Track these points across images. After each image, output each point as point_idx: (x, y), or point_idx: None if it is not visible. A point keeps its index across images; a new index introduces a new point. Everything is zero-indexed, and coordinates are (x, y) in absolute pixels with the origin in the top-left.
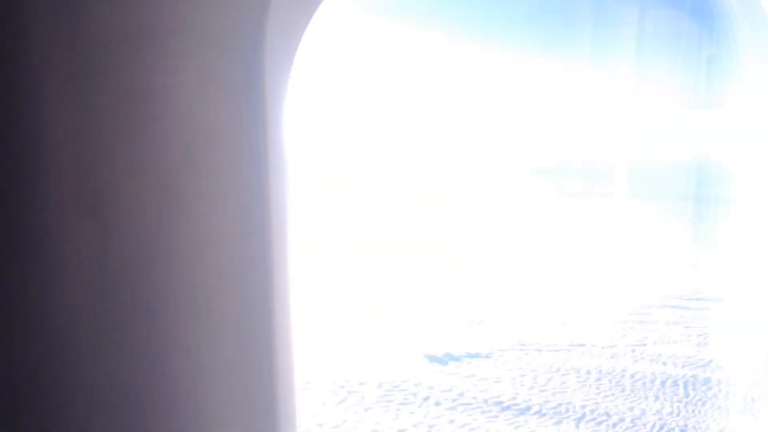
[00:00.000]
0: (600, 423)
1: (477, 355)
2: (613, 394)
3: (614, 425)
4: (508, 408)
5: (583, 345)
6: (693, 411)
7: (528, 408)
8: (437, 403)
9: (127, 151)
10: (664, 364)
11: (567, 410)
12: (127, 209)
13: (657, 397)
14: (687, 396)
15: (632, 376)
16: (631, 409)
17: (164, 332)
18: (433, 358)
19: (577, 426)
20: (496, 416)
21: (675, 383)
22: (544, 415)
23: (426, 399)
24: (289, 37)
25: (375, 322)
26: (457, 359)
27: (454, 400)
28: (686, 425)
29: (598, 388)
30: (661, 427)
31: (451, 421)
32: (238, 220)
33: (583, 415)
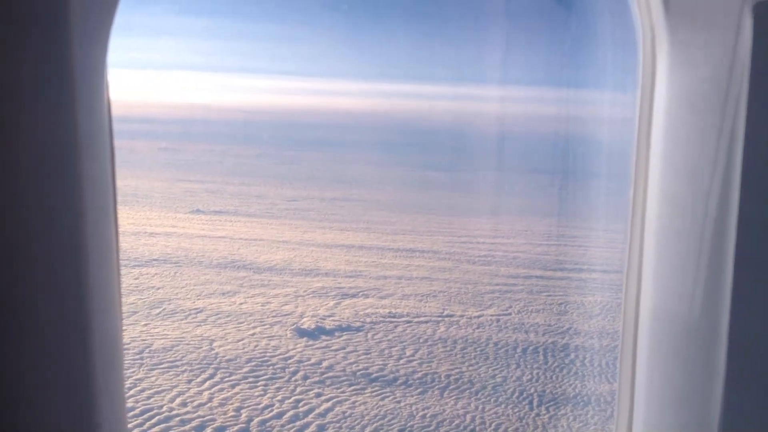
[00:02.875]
0: (463, 391)
1: (348, 328)
2: (477, 363)
3: (476, 393)
4: (375, 380)
5: (451, 316)
6: (551, 377)
7: (395, 379)
8: (305, 378)
9: None
10: (527, 332)
11: (432, 380)
12: None
13: (518, 365)
14: (546, 363)
15: (496, 344)
16: (493, 377)
17: None
18: (303, 332)
19: (441, 395)
20: (363, 388)
21: (536, 350)
22: (411, 385)
23: (294, 374)
24: (96, 41)
25: (245, 296)
26: (328, 333)
27: (322, 374)
28: (544, 391)
29: (463, 358)
30: (521, 393)
31: (319, 395)
32: (53, 214)
33: (448, 384)
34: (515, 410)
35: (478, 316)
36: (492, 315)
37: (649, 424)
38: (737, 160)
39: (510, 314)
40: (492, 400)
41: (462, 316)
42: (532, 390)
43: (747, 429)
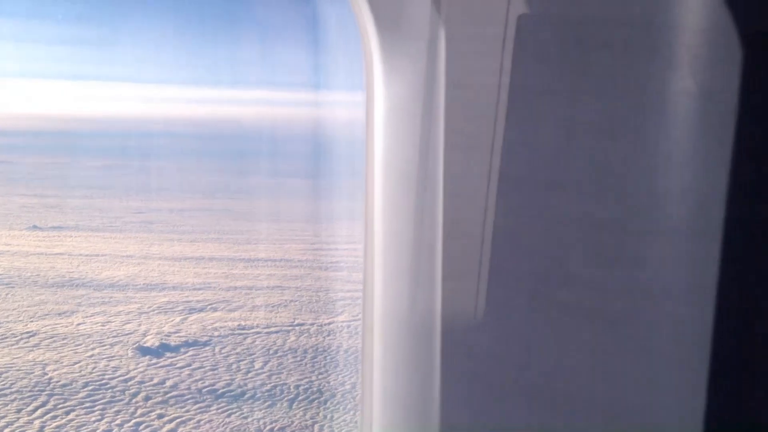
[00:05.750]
0: (312, 401)
1: (195, 344)
2: (326, 372)
3: (325, 402)
4: (222, 396)
5: (301, 325)
6: None
7: (243, 393)
8: (147, 398)
9: None
10: None
11: (281, 392)
12: None
13: None
14: None
15: (346, 351)
16: (342, 384)
17: None
18: (146, 351)
19: (289, 407)
20: (209, 406)
21: None
22: (259, 399)
23: (135, 395)
24: None
25: (83, 315)
26: (173, 350)
27: (166, 394)
28: None
29: (313, 367)
30: None
31: (161, 416)
32: None
33: (297, 395)
34: None
35: (329, 324)
36: (343, 322)
37: (384, 424)
38: (440, 164)
39: (360, 320)
40: (341, 407)
41: (313, 324)
42: None
43: (462, 422)
